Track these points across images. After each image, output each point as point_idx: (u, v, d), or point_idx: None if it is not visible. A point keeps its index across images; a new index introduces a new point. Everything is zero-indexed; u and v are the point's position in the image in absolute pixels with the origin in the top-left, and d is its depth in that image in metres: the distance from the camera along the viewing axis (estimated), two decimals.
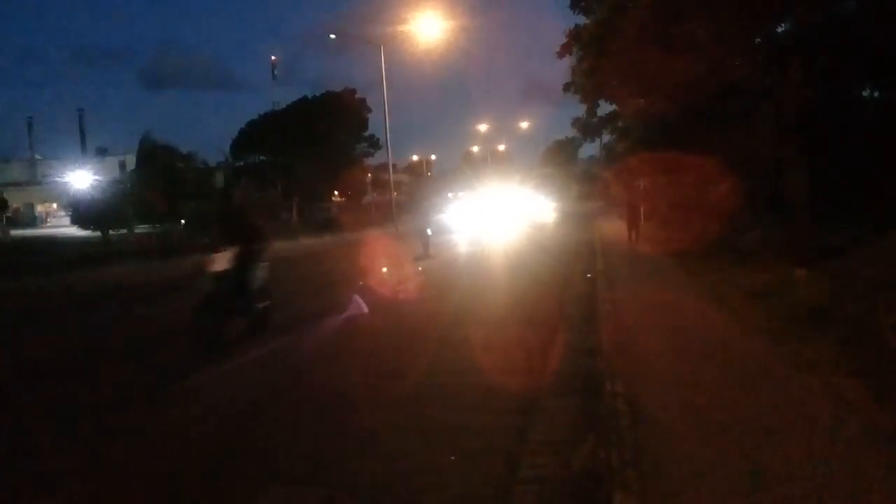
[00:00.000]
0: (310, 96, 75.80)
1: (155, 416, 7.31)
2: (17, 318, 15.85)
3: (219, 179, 52.61)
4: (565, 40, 22.99)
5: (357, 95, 76.94)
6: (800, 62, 15.34)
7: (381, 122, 62.55)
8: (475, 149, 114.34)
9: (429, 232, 25.83)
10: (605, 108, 27.69)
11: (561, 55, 23.57)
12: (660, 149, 22.54)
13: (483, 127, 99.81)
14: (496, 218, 50.41)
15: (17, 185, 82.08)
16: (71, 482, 5.57)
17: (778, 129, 16.28)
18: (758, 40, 17.75)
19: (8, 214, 59.80)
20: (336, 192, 77.40)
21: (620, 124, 28.38)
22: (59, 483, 5.57)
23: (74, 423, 7.13)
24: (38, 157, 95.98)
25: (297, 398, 7.78)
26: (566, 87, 24.97)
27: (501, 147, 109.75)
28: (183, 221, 45.26)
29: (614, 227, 30.59)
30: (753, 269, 14.27)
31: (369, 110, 77.03)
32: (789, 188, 15.85)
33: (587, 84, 23.03)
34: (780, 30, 17.19)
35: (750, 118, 18.30)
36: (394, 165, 63.64)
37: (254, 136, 72.92)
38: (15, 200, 66.84)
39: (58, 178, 69.91)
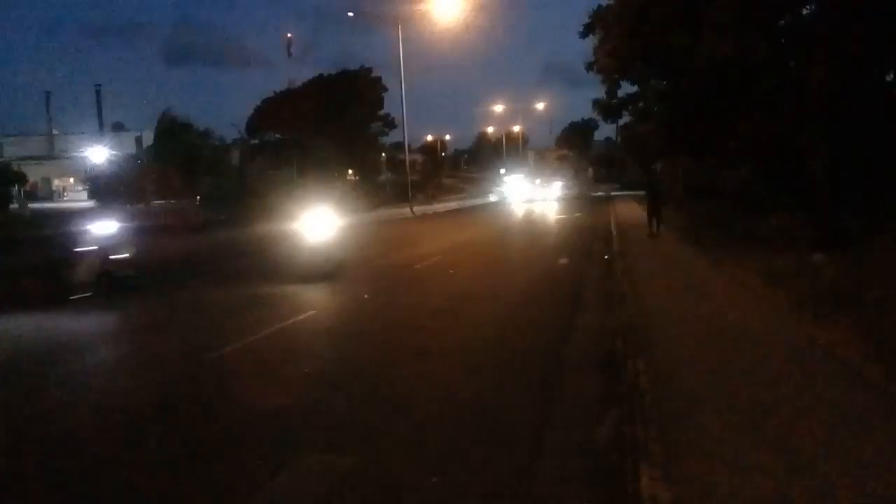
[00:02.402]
0: (325, 74, 75.72)
1: (190, 385, 7.46)
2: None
3: (234, 157, 52.77)
4: (588, 20, 22.82)
5: (373, 74, 76.79)
6: (824, 46, 15.18)
7: (396, 101, 62.53)
8: (490, 129, 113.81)
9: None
10: (626, 89, 27.50)
11: (583, 35, 23.41)
12: (680, 131, 22.36)
13: (498, 108, 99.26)
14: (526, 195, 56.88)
15: (35, 159, 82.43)
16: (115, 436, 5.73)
17: (800, 114, 16.14)
18: (782, 23, 17.57)
19: (26, 188, 60.12)
20: (351, 171, 77.39)
21: (641, 105, 28.14)
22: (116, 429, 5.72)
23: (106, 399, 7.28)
24: (55, 131, 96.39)
25: (330, 368, 7.92)
26: (588, 67, 24.76)
27: (517, 128, 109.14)
28: (199, 198, 45.50)
29: (632, 211, 30.51)
30: (773, 253, 14.22)
31: (385, 89, 76.78)
32: (810, 173, 15.75)
33: (609, 64, 22.82)
34: (805, 13, 17.00)
35: (772, 102, 18.14)
36: (409, 145, 63.66)
37: (269, 113, 72.88)
38: (33, 175, 67.13)
39: (75, 153, 70.24)
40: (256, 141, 69.72)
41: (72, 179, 78.63)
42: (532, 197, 62.94)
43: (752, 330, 8.54)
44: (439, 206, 58.57)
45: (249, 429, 6.03)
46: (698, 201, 25.87)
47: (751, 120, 17.77)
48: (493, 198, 65.49)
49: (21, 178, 52.87)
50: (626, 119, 34.22)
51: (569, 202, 55.16)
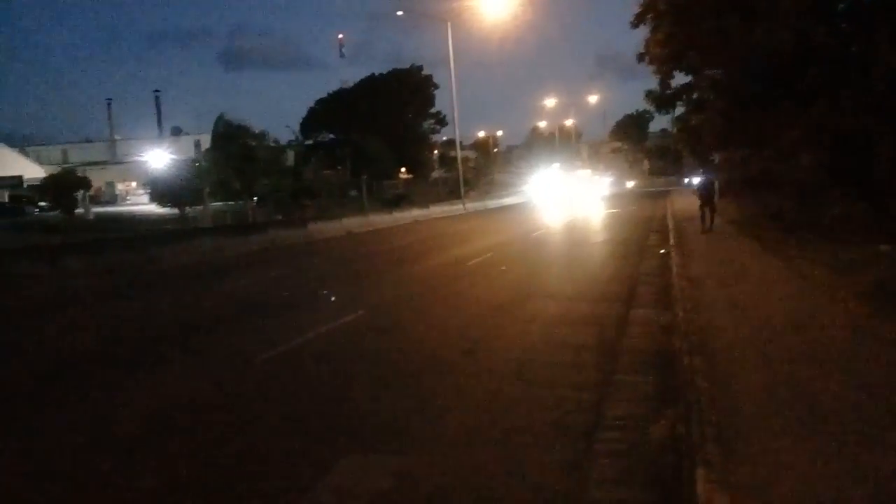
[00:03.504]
0: (377, 74, 76.36)
1: (245, 384, 7.57)
2: (108, 294, 16.53)
3: (289, 158, 53.55)
4: (639, 9, 22.35)
5: (424, 72, 77.12)
6: (887, 28, 14.57)
7: (447, 98, 62.56)
8: (542, 124, 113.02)
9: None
10: (679, 79, 26.89)
11: (635, 24, 22.94)
12: (737, 121, 21.74)
13: (550, 102, 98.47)
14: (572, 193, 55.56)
15: (98, 164, 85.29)
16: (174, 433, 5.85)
17: (864, 99, 15.54)
18: (842, 6, 16.95)
19: (90, 193, 62.09)
20: (403, 169, 77.82)
21: (696, 96, 27.46)
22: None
23: (161, 397, 7.44)
24: (117, 137, 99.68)
25: (383, 365, 7.94)
26: (640, 58, 24.25)
27: (569, 122, 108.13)
28: (255, 199, 46.32)
29: (688, 204, 29.89)
30: (836, 245, 13.75)
31: (436, 87, 77.13)
32: (876, 160, 15.15)
33: (662, 54, 22.30)
34: None
35: (833, 88, 17.49)
36: (460, 142, 63.65)
37: (323, 114, 73.93)
38: (96, 179, 69.48)
39: (136, 158, 72.38)
40: (310, 142, 70.76)
41: (133, 183, 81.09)
42: (571, 195, 57.73)
43: (817, 325, 8.23)
44: (491, 203, 58.41)
45: (299, 428, 6.08)
46: (757, 193, 25.18)
47: (811, 108, 17.17)
48: (513, 199, 62.09)
49: (85, 184, 54.58)
50: (680, 110, 33.54)
51: (618, 200, 54.37)
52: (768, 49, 16.11)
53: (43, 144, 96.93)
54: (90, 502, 4.87)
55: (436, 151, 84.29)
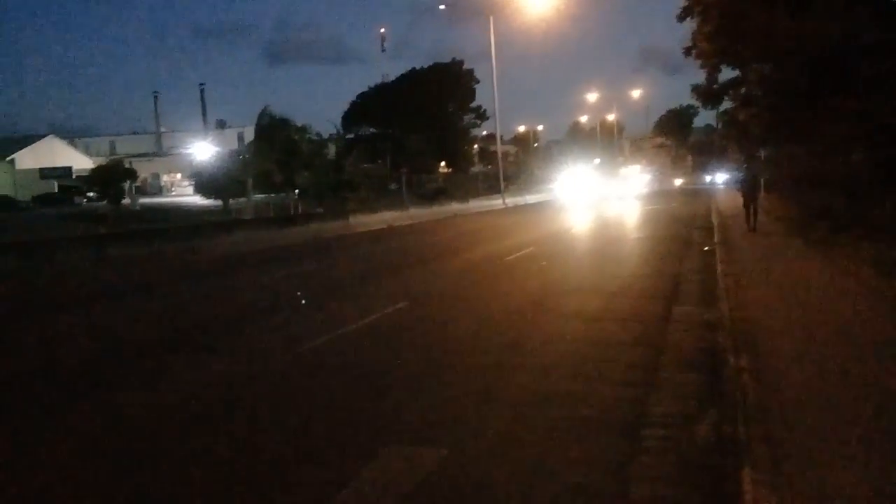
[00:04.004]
0: (418, 68, 76.48)
1: (290, 372, 7.66)
2: (156, 283, 16.86)
3: (330, 151, 53.99)
4: (686, 2, 21.96)
5: (465, 66, 77.04)
6: None
7: (488, 93, 62.33)
8: (583, 119, 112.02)
9: None
10: (726, 74, 26.39)
11: (682, 18, 22.56)
12: (785, 116, 21.26)
13: (592, 96, 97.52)
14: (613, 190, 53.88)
15: (144, 156, 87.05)
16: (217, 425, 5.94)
17: None
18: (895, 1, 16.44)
19: (136, 184, 63.46)
20: (443, 164, 77.91)
21: (744, 91, 26.90)
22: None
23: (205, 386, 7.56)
24: (163, 129, 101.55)
25: (424, 357, 7.96)
26: (686, 52, 23.82)
27: (611, 117, 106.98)
28: (297, 191, 46.81)
29: (732, 200, 29.38)
30: (883, 244, 13.37)
31: (477, 81, 77.00)
32: None
33: (709, 48, 21.88)
34: None
35: (886, 83, 16.98)
36: (500, 136, 63.46)
37: (364, 108, 74.33)
38: (142, 171, 70.97)
39: (181, 150, 73.68)
40: (351, 135, 71.20)
41: (179, 175, 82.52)
42: (609, 192, 55.34)
43: (865, 325, 8.03)
44: (531, 198, 58.12)
45: (341, 417, 6.12)
46: (804, 190, 24.64)
47: (862, 104, 16.71)
48: (552, 195, 57.35)
49: (132, 175, 55.79)
50: (726, 105, 32.95)
51: (660, 197, 53.50)
52: (819, 42, 15.71)
53: (92, 136, 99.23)
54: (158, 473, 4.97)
55: (476, 146, 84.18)
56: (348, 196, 46.66)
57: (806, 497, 3.98)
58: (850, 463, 4.37)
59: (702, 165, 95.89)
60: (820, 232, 16.73)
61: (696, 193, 57.01)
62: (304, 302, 12.21)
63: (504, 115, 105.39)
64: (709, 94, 27.66)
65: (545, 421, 5.81)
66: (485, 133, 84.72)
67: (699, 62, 23.88)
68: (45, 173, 70.98)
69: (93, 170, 57.37)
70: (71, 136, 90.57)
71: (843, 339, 7.39)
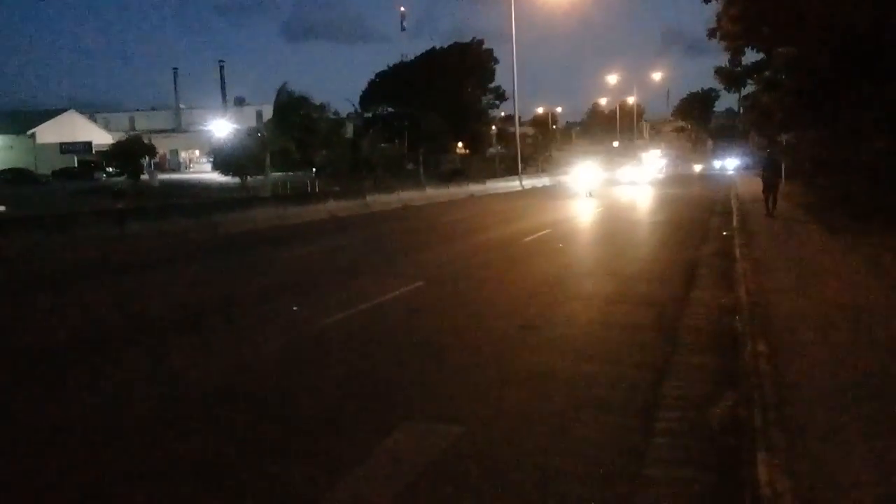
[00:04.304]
0: (437, 48, 76.06)
1: (308, 348, 7.73)
2: (175, 259, 16.99)
3: (348, 130, 53.95)
4: None
5: (484, 46, 76.48)
6: None
7: (507, 73, 61.90)
8: (603, 101, 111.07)
9: None
10: (749, 56, 26.04)
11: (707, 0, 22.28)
12: (810, 101, 21.00)
13: (612, 78, 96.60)
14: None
15: (163, 132, 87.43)
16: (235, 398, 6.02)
17: None
18: None
19: (155, 160, 63.73)
20: (461, 144, 77.64)
21: (768, 74, 26.56)
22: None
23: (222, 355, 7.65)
24: (182, 106, 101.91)
25: (440, 336, 8.01)
26: (710, 34, 23.55)
27: (631, 99, 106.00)
28: (315, 169, 46.86)
29: (754, 186, 29.12)
30: None
31: (496, 61, 76.44)
32: None
33: (734, 30, 21.60)
34: None
35: None
36: (519, 118, 63.09)
37: (382, 87, 74.07)
38: (161, 147, 71.26)
39: (200, 127, 73.85)
40: (369, 114, 71.03)
41: (197, 152, 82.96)
42: (614, 179, 51.18)
43: (884, 312, 7.97)
44: (549, 180, 57.84)
45: (358, 393, 6.18)
46: (826, 176, 24.38)
47: (890, 90, 16.47)
48: (570, 177, 49.67)
49: (151, 151, 56.03)
50: (750, 89, 32.56)
51: (679, 181, 52.82)
52: (847, 27, 15.47)
53: (111, 111, 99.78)
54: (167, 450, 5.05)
55: (494, 127, 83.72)
56: (365, 175, 46.68)
57: (821, 481, 3.98)
58: (865, 449, 4.35)
59: (722, 150, 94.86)
60: (841, 219, 16.56)
61: (714, 179, 56.43)
62: (322, 279, 12.26)
63: (523, 96, 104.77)
64: (732, 77, 27.46)
65: (560, 401, 5.83)
66: (503, 114, 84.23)
67: (723, 44, 23.63)
68: (65, 148, 71.57)
69: (112, 145, 57.65)
70: (91, 111, 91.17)
71: (860, 327, 7.34)
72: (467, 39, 77.02)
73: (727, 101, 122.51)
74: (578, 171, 42.14)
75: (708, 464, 4.61)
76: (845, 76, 17.75)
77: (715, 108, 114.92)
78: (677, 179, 57.45)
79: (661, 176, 61.82)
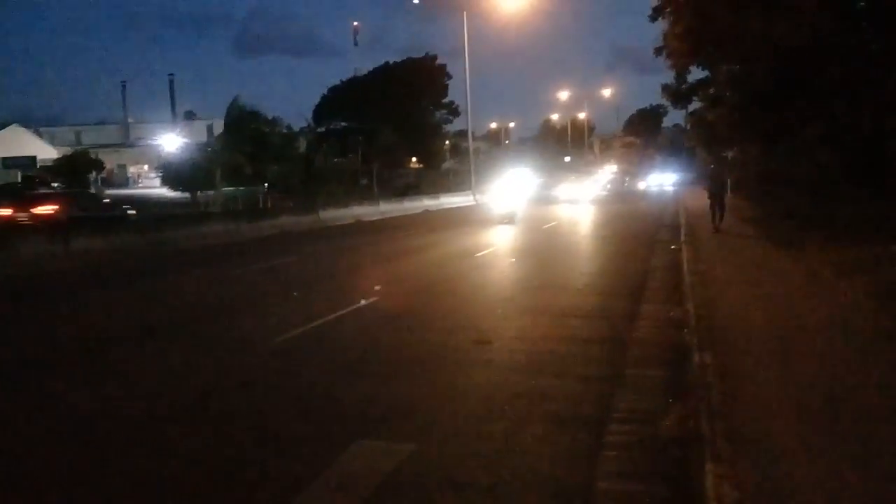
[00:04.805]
0: (391, 63, 76.17)
1: (257, 367, 7.59)
2: (120, 275, 16.60)
3: (301, 144, 53.49)
4: (658, 2, 22.19)
5: (437, 62, 76.89)
6: None
7: (461, 88, 62.28)
8: (555, 117, 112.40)
9: None
10: (695, 74, 26.69)
11: (653, 18, 22.79)
12: (753, 117, 21.59)
13: (564, 94, 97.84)
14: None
15: (111, 146, 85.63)
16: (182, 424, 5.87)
17: (882, 99, 15.41)
18: (862, 4, 16.80)
19: (102, 175, 62.40)
20: (415, 159, 77.72)
21: (712, 91, 27.24)
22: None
23: (178, 378, 7.48)
24: (130, 120, 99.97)
25: (393, 353, 7.96)
26: (657, 52, 24.07)
27: (582, 115, 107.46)
28: (266, 185, 46.31)
29: (700, 200, 29.79)
30: (848, 244, 13.65)
31: (449, 77, 76.86)
32: (892, 159, 15.04)
33: (680, 48, 22.12)
34: None
35: (853, 87, 17.33)
36: (472, 133, 63.50)
37: (335, 101, 73.83)
38: (109, 162, 69.72)
39: (149, 141, 72.60)
40: (323, 129, 70.59)
41: (146, 166, 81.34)
42: (547, 197, 45.15)
43: (825, 324, 8.20)
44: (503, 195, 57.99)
45: (309, 412, 6.10)
46: (770, 190, 25.05)
47: (829, 106, 17.06)
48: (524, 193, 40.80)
49: (98, 165, 54.89)
50: (696, 105, 33.34)
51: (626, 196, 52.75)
52: (787, 45, 15.99)
53: (57, 125, 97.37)
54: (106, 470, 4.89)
55: (447, 142, 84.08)
56: (318, 190, 46.31)
57: (767, 491, 4.05)
58: (811, 458, 4.45)
59: (664, 165, 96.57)
60: (785, 232, 17.01)
61: (659, 195, 56.84)
62: (272, 296, 12.10)
63: (476, 111, 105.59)
64: (678, 94, 28.05)
65: (512, 416, 5.84)
66: (457, 129, 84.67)
67: (669, 62, 24.16)
68: (8, 163, 69.42)
69: (57, 160, 56.31)
70: (36, 125, 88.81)
71: (805, 338, 7.53)
72: (421, 55, 77.36)
73: (675, 117, 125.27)
74: (500, 188, 32.26)
75: (658, 476, 4.66)
76: (786, 93, 18.33)
77: (664, 124, 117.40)
78: (623, 197, 55.28)
79: (604, 193, 56.90)
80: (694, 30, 20.26)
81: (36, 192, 33.70)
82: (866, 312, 8.61)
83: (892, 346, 7.08)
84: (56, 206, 21.36)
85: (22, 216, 20.92)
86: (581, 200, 43.38)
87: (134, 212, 25.39)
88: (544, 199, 43.73)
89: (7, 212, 21.78)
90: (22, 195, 27.90)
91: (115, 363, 7.96)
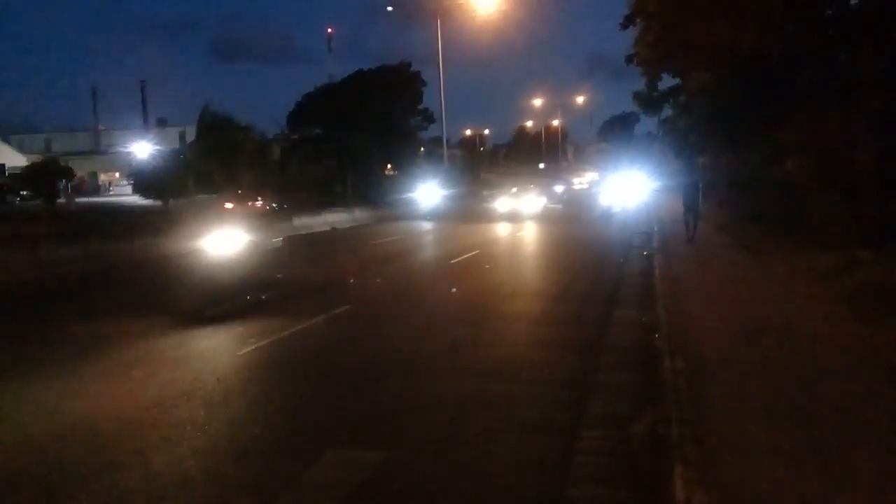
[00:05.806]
0: (365, 69, 76.03)
1: (229, 376, 7.52)
2: (94, 283, 16.39)
3: (275, 151, 53.22)
4: (629, 10, 22.38)
5: (412, 69, 76.94)
6: (871, 36, 14.70)
7: (435, 95, 62.41)
8: (529, 123, 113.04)
9: None
10: (666, 82, 26.99)
11: (625, 26, 22.95)
12: (723, 124, 21.87)
13: (538, 101, 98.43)
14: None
15: (81, 154, 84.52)
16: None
17: (847, 105, 15.68)
18: (829, 12, 17.07)
19: (73, 183, 61.39)
20: (389, 166, 77.61)
21: (683, 98, 27.55)
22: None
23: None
24: (101, 127, 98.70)
25: (366, 360, 7.93)
26: (628, 60, 24.20)
27: (556, 122, 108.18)
28: (240, 192, 46.00)
29: (673, 207, 30.03)
30: (818, 249, 13.86)
31: (424, 84, 76.82)
32: (858, 167, 15.29)
33: (651, 56, 22.30)
34: (852, 2, 16.47)
35: (819, 94, 17.63)
36: (447, 139, 63.63)
37: (310, 108, 73.42)
38: (79, 169, 68.64)
39: (120, 148, 71.63)
40: (297, 136, 70.28)
41: (117, 174, 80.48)
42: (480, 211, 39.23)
43: (794, 328, 8.32)
44: (477, 202, 58.11)
45: (281, 421, 6.06)
46: (741, 196, 25.35)
47: (797, 113, 17.32)
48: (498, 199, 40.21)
49: (68, 173, 54.07)
50: (667, 112, 33.71)
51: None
52: (756, 53, 16.23)
53: (26, 132, 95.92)
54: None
55: (422, 148, 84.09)
56: (292, 197, 46.07)
57: (735, 495, 4.10)
58: (777, 462, 4.51)
59: (642, 171, 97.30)
60: (756, 238, 17.22)
61: (624, 215, 52.94)
62: (246, 304, 12.01)
63: (451, 118, 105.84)
64: (649, 101, 28.39)
65: (485, 423, 5.86)
66: (432, 136, 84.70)
67: (641, 69, 24.37)
68: None
69: (26, 167, 55.37)
70: (4, 132, 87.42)
71: (775, 344, 7.63)
72: (395, 62, 77.37)
73: (648, 123, 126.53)
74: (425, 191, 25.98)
75: (629, 481, 4.70)
76: (755, 100, 18.59)
77: (636, 131, 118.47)
78: (580, 213, 39.20)
79: (559, 207, 45.42)
80: (664, 38, 20.46)
81: None
82: (831, 316, 8.75)
83: (854, 351, 7.20)
84: None
85: None
86: (524, 216, 35.89)
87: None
88: (478, 215, 37.79)
89: None
90: None
91: (79, 381, 7.84)
